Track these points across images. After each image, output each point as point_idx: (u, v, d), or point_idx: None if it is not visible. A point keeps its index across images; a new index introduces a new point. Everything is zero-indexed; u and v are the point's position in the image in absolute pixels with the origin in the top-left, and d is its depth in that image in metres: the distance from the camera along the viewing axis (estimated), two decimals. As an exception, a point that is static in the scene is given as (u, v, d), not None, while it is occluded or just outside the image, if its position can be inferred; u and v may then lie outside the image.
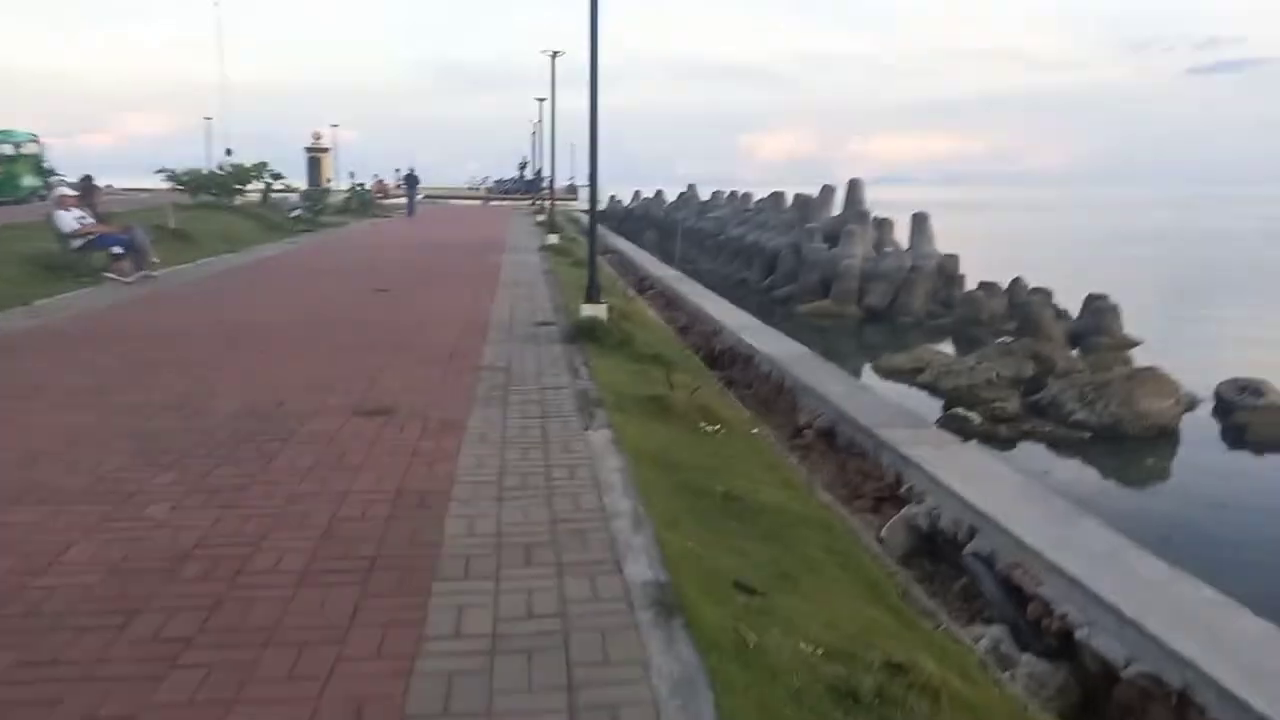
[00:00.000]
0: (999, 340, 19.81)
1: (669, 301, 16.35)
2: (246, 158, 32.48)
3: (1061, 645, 4.23)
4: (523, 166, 66.66)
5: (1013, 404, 13.87)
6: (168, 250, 16.98)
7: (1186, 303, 28.35)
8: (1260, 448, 12.59)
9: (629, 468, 4.67)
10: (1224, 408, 13.89)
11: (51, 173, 31.37)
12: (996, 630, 4.55)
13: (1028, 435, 12.92)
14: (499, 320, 9.75)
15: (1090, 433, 12.59)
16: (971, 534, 5.18)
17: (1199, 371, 14.94)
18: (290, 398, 6.11)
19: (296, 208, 28.04)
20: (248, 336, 8.59)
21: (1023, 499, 5.38)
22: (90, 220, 12.74)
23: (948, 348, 21.29)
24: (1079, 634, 4.08)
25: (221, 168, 31.65)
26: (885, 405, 7.74)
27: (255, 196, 31.53)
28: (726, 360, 11.45)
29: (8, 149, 29.27)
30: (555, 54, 20.19)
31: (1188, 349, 20.82)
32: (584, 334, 8.27)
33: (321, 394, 6.21)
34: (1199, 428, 13.29)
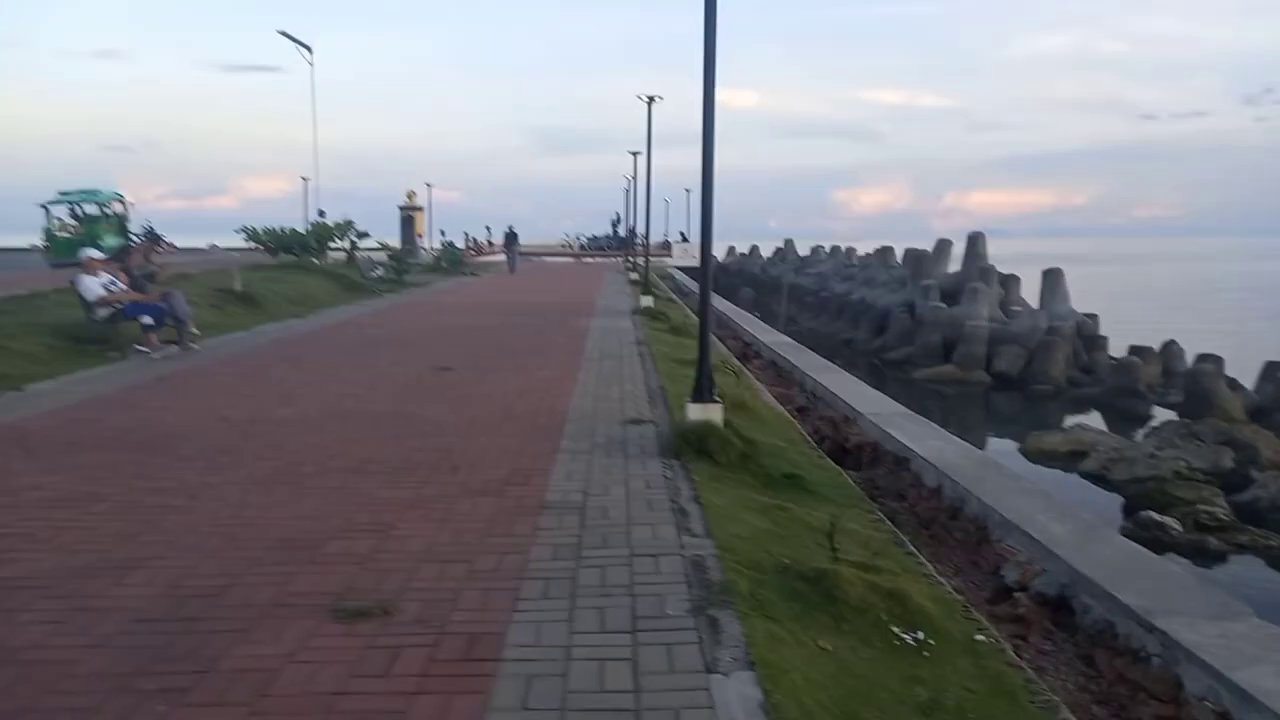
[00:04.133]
0: (1174, 419, 16.69)
1: (779, 374, 13.95)
2: (343, 217, 31.76)
3: None
4: (615, 223, 66.25)
5: (1221, 508, 11.02)
6: (228, 315, 15.60)
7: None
8: None
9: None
10: None
11: (151, 232, 31.15)
12: None
13: (1244, 549, 10.12)
14: (579, 414, 7.52)
15: (1332, 552, 9.74)
16: None
17: None
18: (245, 571, 3.95)
19: (379, 266, 26.76)
20: (249, 445, 6.50)
21: None
22: (120, 287, 11.10)
23: (1096, 422, 18.29)
24: None
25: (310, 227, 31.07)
26: (1146, 562, 5.14)
27: (342, 255, 30.75)
28: (866, 459, 8.97)
29: (92, 209, 28.88)
30: (651, 99, 18.38)
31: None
32: (691, 445, 5.93)
33: (295, 563, 4.04)
34: None
